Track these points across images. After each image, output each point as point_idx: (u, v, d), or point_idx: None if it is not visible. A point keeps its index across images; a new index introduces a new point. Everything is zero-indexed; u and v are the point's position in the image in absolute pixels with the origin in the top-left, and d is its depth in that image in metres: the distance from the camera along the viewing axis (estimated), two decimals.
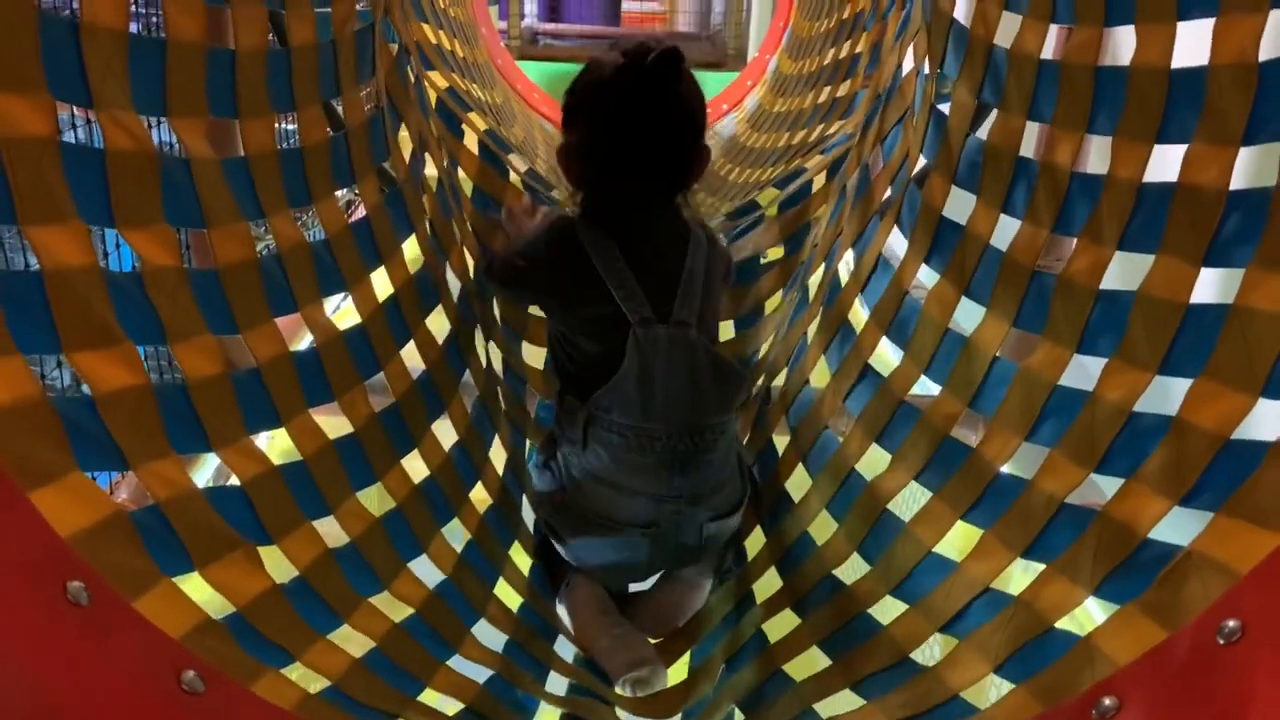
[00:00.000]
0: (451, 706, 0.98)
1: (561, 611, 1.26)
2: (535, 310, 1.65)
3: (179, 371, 0.86)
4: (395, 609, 1.02)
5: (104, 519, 0.72)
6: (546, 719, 1.07)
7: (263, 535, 0.90)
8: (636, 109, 1.18)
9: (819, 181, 1.79)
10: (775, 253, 1.76)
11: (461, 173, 1.67)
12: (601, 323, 1.20)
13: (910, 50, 1.45)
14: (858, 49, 2.09)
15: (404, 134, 1.34)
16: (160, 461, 0.81)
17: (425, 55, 1.77)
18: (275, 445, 1.07)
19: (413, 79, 1.45)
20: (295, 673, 0.84)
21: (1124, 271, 0.95)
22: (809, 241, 1.69)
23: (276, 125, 1.04)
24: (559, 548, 1.27)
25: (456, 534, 1.18)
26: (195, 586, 0.79)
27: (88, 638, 0.65)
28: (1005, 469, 1.02)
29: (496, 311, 1.60)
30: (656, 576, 1.30)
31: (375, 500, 1.07)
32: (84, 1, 0.79)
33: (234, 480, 0.90)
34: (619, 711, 1.11)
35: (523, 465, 1.39)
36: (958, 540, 1.04)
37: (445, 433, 1.23)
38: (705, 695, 1.13)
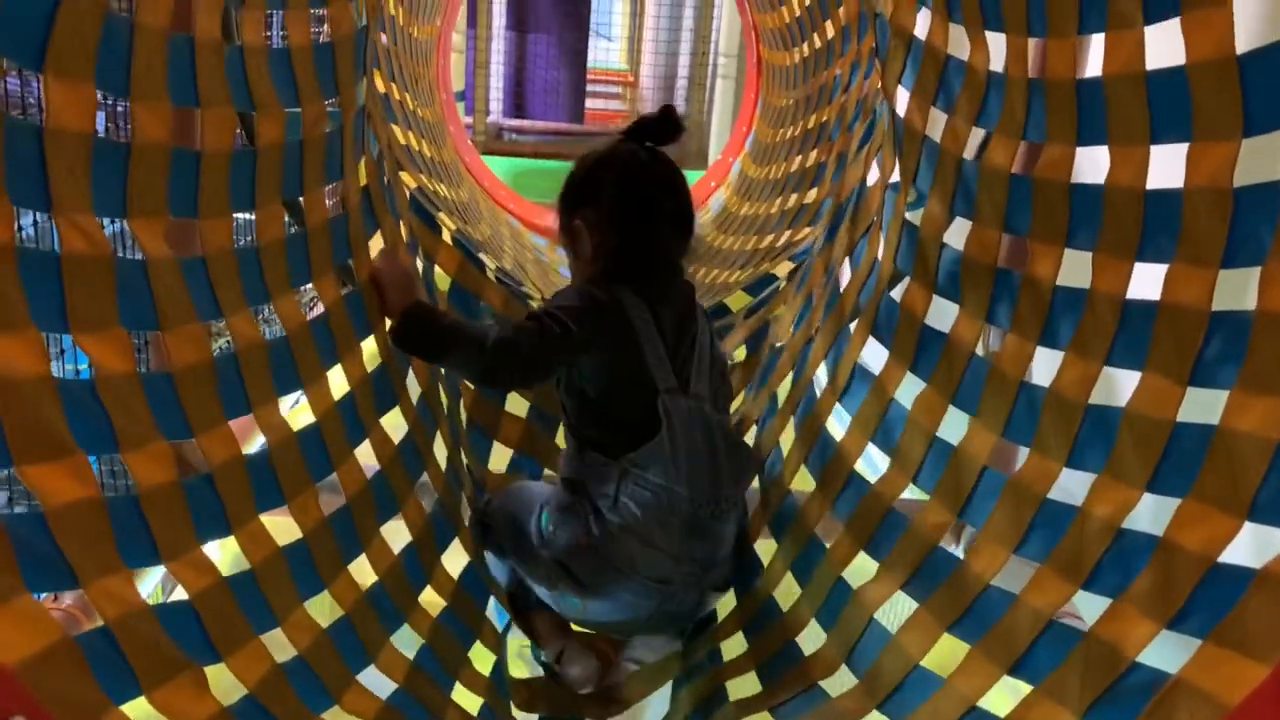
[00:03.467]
0: None
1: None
2: (511, 407, 1.66)
3: (125, 478, 0.83)
4: None
5: (51, 645, 0.68)
6: None
7: (211, 653, 0.85)
8: (652, 163, 1.35)
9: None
10: (738, 354, 1.78)
11: (439, 269, 1.66)
12: (628, 385, 1.27)
13: (875, 163, 1.47)
14: (824, 158, 2.12)
15: (375, 238, 1.33)
16: (110, 578, 0.77)
17: (395, 156, 1.77)
18: (225, 552, 1.02)
19: (386, 182, 1.45)
20: None
21: (1113, 385, 0.95)
22: (768, 342, 1.70)
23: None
24: (553, 599, 1.31)
25: (408, 640, 1.14)
26: (136, 707, 0.75)
27: None
28: (993, 582, 1.00)
29: (464, 414, 1.58)
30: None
31: (323, 609, 1.03)
32: (49, 106, 0.76)
33: (180, 594, 0.86)
34: None
35: (484, 564, 1.37)
36: (942, 655, 1.02)
37: (396, 536, 1.20)
38: None
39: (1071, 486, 0.96)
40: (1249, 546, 0.77)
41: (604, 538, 1.24)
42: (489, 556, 1.40)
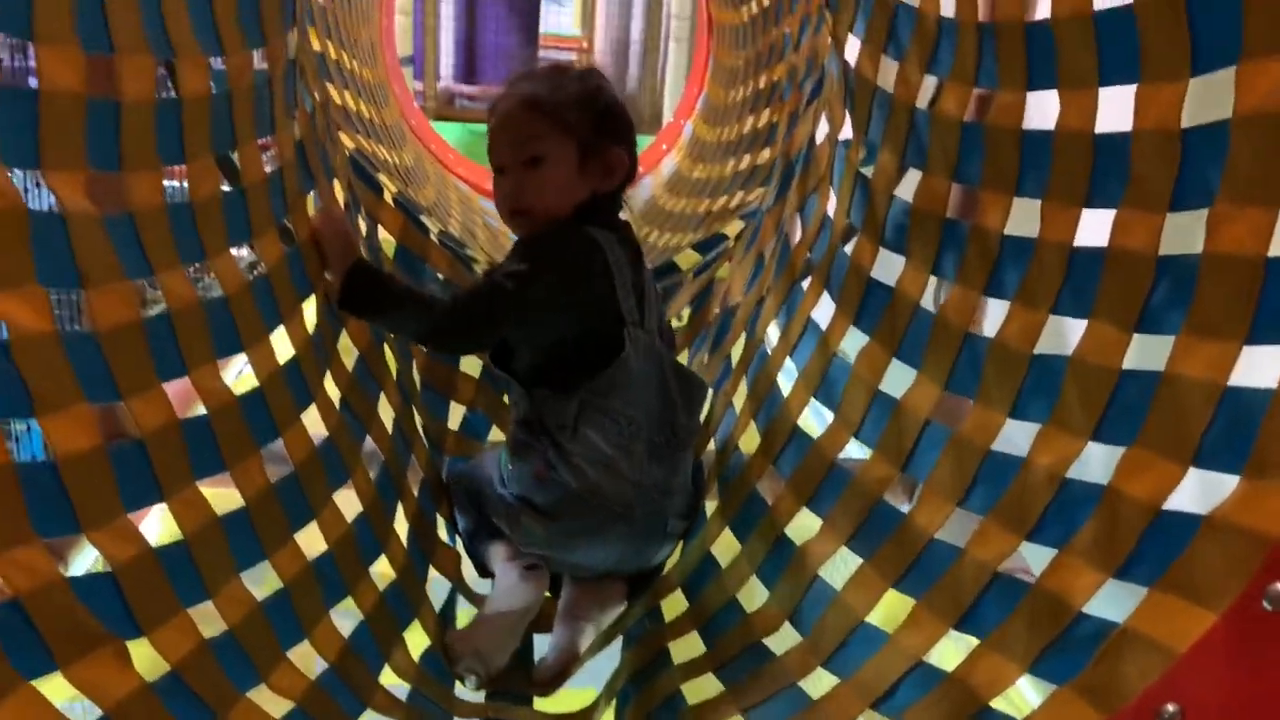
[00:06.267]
0: None
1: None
2: (466, 368, 1.64)
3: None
4: (274, 703, 0.95)
5: None
6: None
7: (132, 628, 0.81)
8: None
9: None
10: (683, 313, 1.78)
11: (384, 231, 1.63)
12: (598, 325, 1.25)
13: (824, 117, 1.45)
14: (776, 118, 2.09)
15: (313, 198, 1.29)
16: (21, 549, 0.72)
17: (331, 115, 1.72)
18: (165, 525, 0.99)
19: (321, 141, 1.40)
20: None
21: (1058, 335, 0.94)
22: (714, 302, 1.68)
23: (165, 181, 0.97)
24: (524, 529, 1.27)
25: (346, 615, 1.11)
26: (55, 687, 0.71)
27: None
28: (938, 536, 0.99)
29: (416, 375, 1.55)
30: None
31: (261, 582, 1.00)
32: None
33: (103, 566, 0.82)
34: None
35: (430, 534, 1.34)
36: (888, 611, 1.01)
37: (349, 505, 1.16)
38: None
39: (1018, 439, 0.94)
40: (1195, 494, 0.76)
41: (565, 467, 1.22)
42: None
